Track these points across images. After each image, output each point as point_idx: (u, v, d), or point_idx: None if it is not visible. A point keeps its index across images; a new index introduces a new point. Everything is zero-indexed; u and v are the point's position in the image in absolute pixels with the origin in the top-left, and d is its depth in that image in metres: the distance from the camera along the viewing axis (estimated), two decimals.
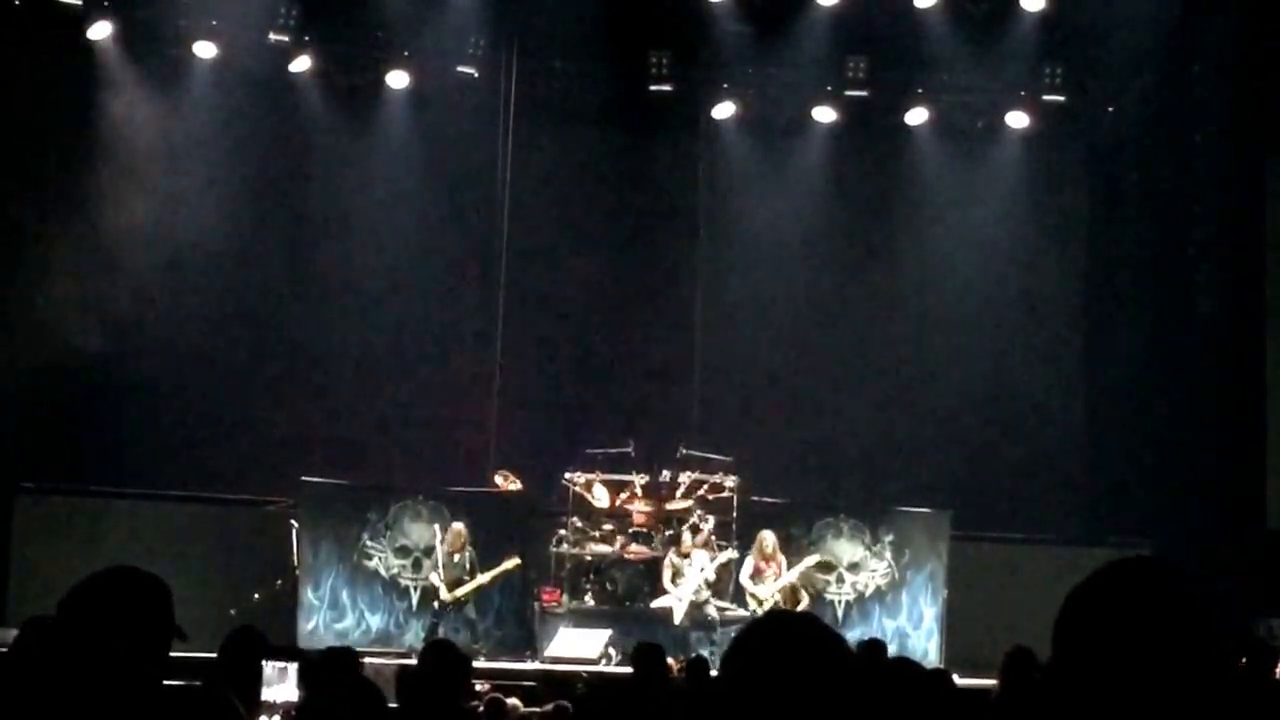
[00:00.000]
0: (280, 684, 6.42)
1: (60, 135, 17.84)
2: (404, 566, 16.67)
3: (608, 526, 16.96)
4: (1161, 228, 19.04)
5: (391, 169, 18.83)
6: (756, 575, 16.02)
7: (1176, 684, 2.01)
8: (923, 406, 19.18)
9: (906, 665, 5.60)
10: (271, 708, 6.26)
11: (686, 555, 16.22)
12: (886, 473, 18.79)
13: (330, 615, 16.46)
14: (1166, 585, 2.08)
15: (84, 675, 3.02)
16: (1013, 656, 4.60)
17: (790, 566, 16.13)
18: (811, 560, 16.44)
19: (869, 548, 17.23)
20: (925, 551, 17.26)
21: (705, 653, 14.26)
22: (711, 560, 16.20)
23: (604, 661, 15.37)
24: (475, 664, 15.15)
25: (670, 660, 10.97)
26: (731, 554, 16.30)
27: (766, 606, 15.61)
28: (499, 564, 16.13)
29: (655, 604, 16.28)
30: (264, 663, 6.37)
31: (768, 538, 16.13)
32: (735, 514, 16.89)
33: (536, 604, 16.66)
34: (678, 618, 15.96)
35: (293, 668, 6.41)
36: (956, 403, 19.16)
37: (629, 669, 10.16)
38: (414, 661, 13.01)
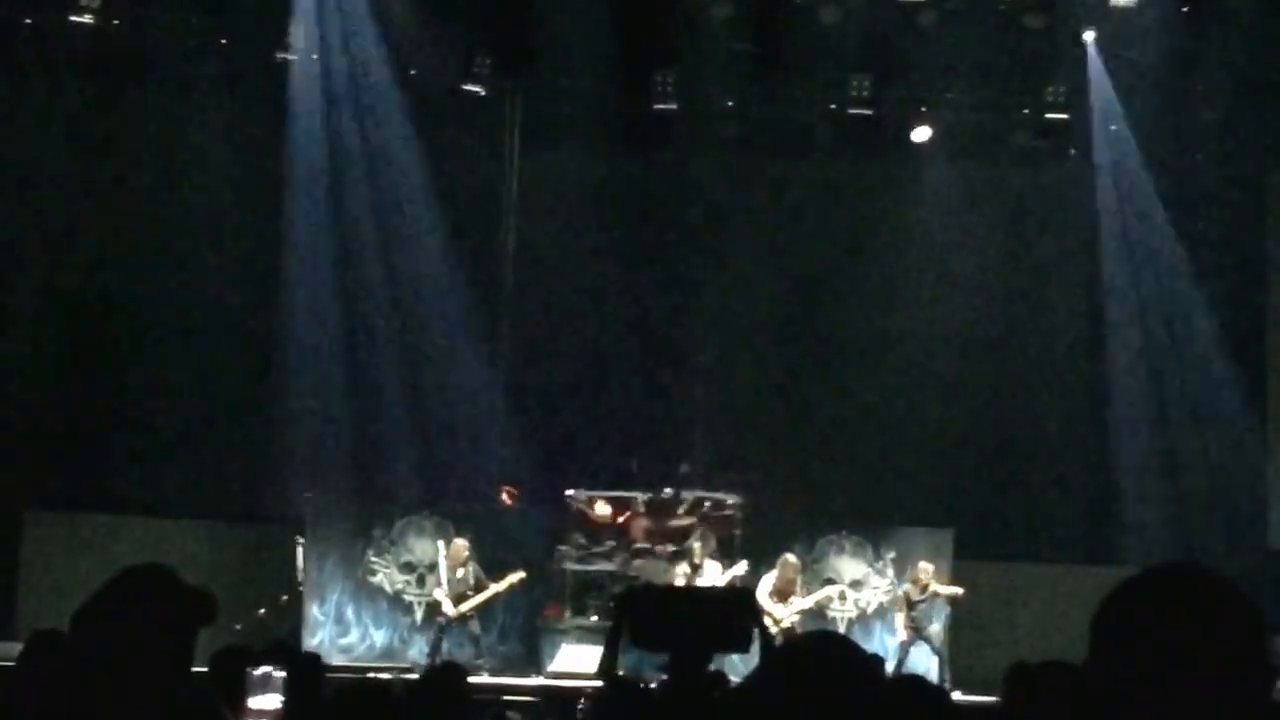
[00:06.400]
0: (268, 691, 6.42)
1: (64, 147, 17.88)
2: (408, 582, 16.72)
3: (610, 543, 17.01)
4: (1164, 246, 19.09)
5: (396, 185, 18.89)
6: (778, 595, 16.01)
7: (1214, 689, 2.00)
8: (926, 424, 19.19)
9: (906, 683, 5.65)
10: (259, 715, 6.28)
11: (698, 567, 16.20)
12: (889, 490, 18.82)
13: (335, 630, 16.52)
14: (1208, 590, 2.07)
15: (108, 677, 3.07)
16: (1014, 673, 4.63)
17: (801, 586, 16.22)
18: (833, 590, 16.56)
19: (871, 565, 17.26)
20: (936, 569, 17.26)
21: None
22: (724, 573, 16.19)
23: None
24: (479, 679, 15.25)
25: None
26: (744, 566, 16.28)
27: (784, 626, 15.62)
28: (502, 579, 16.18)
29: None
30: (249, 669, 6.38)
31: (793, 560, 16.16)
32: (738, 531, 16.93)
33: (539, 620, 16.69)
34: None
35: (279, 674, 6.40)
36: (959, 421, 19.19)
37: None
38: (417, 676, 13.07)
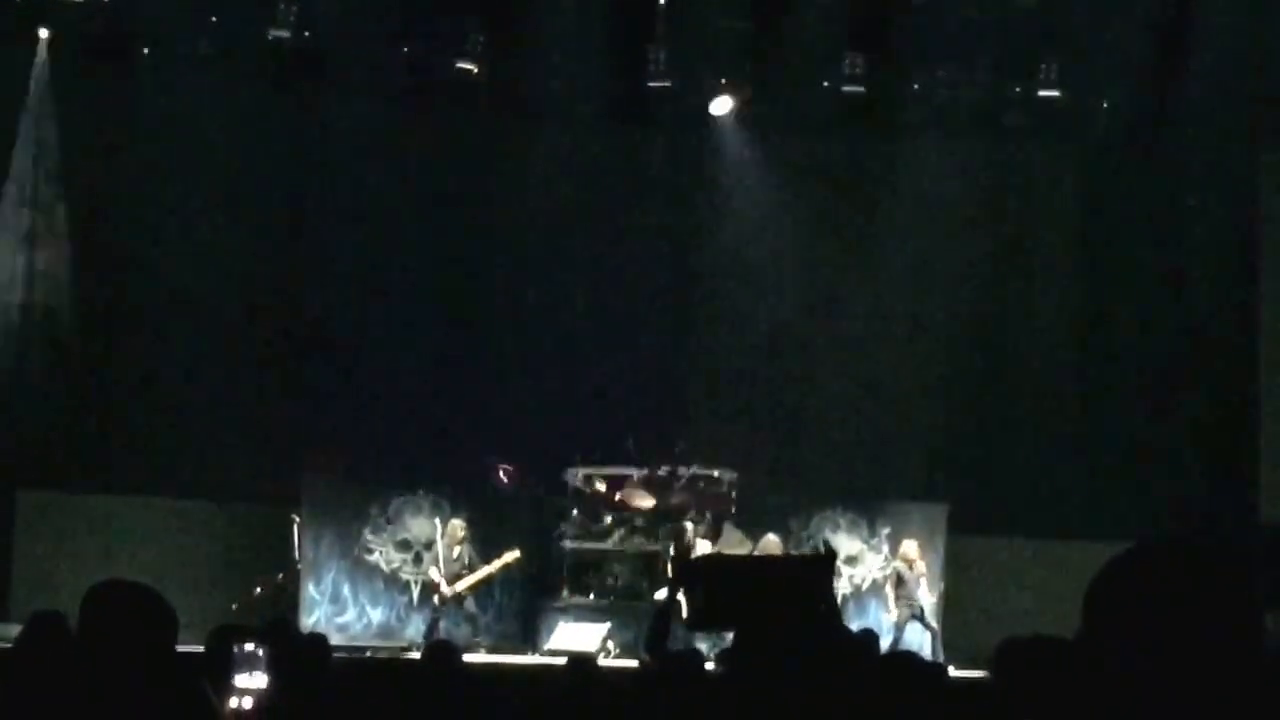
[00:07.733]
0: (254, 669, 6.43)
1: (60, 139, 17.85)
2: (405, 561, 16.77)
3: (607, 521, 17.04)
4: (1155, 223, 19.12)
5: (389, 165, 18.87)
6: None
7: (1208, 662, 2.01)
8: (919, 401, 19.24)
9: (901, 659, 5.70)
10: (243, 693, 6.29)
11: (689, 550, 16.22)
12: (883, 467, 18.87)
13: (332, 609, 16.56)
14: (1201, 564, 2.07)
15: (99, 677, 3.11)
16: (1003, 649, 4.67)
17: None
18: None
19: (866, 541, 17.30)
20: (921, 545, 17.32)
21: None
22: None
23: (603, 655, 15.45)
24: (475, 657, 15.31)
25: None
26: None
27: None
28: (499, 558, 16.22)
29: (658, 596, 16.32)
30: (235, 647, 6.39)
31: (775, 540, 16.18)
32: (734, 508, 16.96)
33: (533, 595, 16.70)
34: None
35: (264, 651, 6.41)
36: (953, 397, 19.23)
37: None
38: (415, 655, 13.13)
